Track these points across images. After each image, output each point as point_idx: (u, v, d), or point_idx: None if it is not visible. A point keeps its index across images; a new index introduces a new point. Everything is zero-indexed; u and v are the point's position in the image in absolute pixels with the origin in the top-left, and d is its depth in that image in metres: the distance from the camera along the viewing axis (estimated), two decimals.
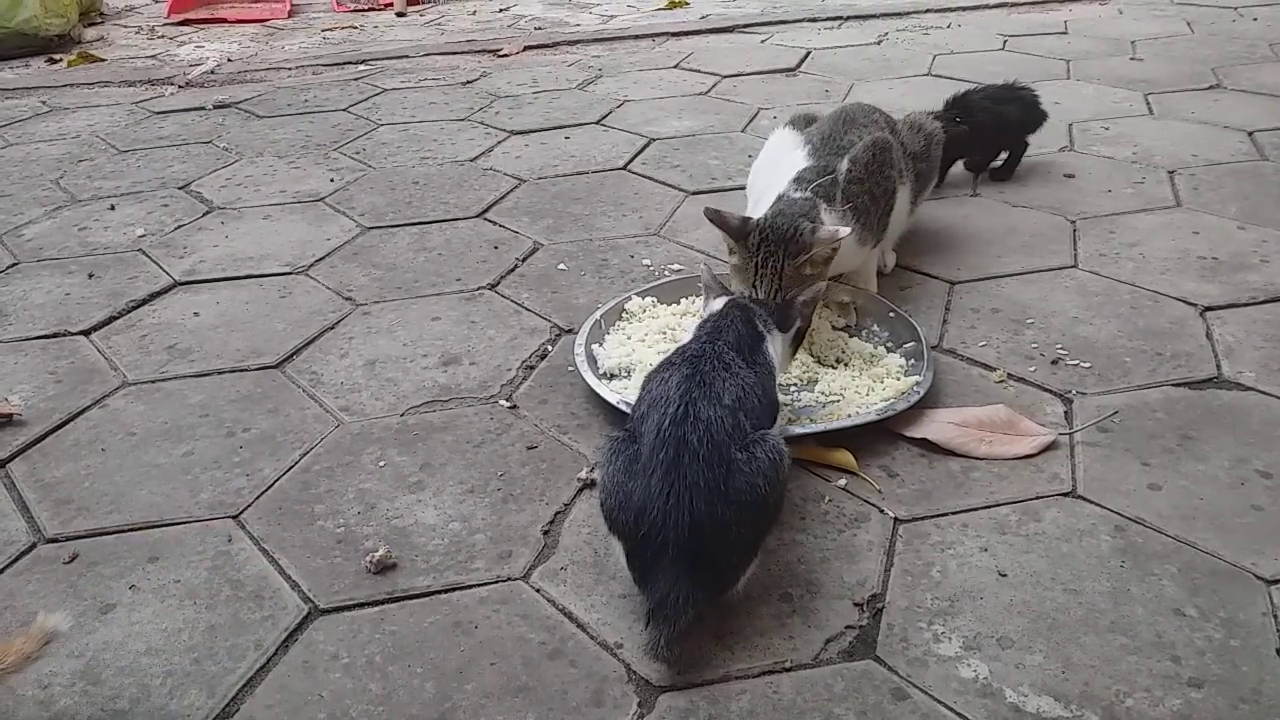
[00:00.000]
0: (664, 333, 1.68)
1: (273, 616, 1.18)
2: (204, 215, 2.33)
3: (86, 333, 1.82)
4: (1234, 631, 1.10)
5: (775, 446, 1.15)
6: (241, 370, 1.69)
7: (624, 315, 1.75)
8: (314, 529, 1.31)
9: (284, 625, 1.16)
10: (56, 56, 4.01)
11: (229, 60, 3.83)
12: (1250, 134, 2.58)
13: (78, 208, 2.40)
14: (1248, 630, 1.10)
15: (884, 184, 1.76)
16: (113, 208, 2.39)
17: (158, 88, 3.49)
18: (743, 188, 2.02)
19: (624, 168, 2.52)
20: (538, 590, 1.20)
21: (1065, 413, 1.49)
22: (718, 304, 1.40)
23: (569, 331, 1.75)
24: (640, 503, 1.10)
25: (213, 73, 3.63)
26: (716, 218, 1.57)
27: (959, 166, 2.36)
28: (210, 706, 1.06)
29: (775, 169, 1.76)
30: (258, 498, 1.38)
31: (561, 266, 2.01)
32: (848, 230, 1.57)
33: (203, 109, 3.18)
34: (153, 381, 1.66)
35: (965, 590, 1.17)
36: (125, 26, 4.66)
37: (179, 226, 2.27)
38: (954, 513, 1.30)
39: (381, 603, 1.19)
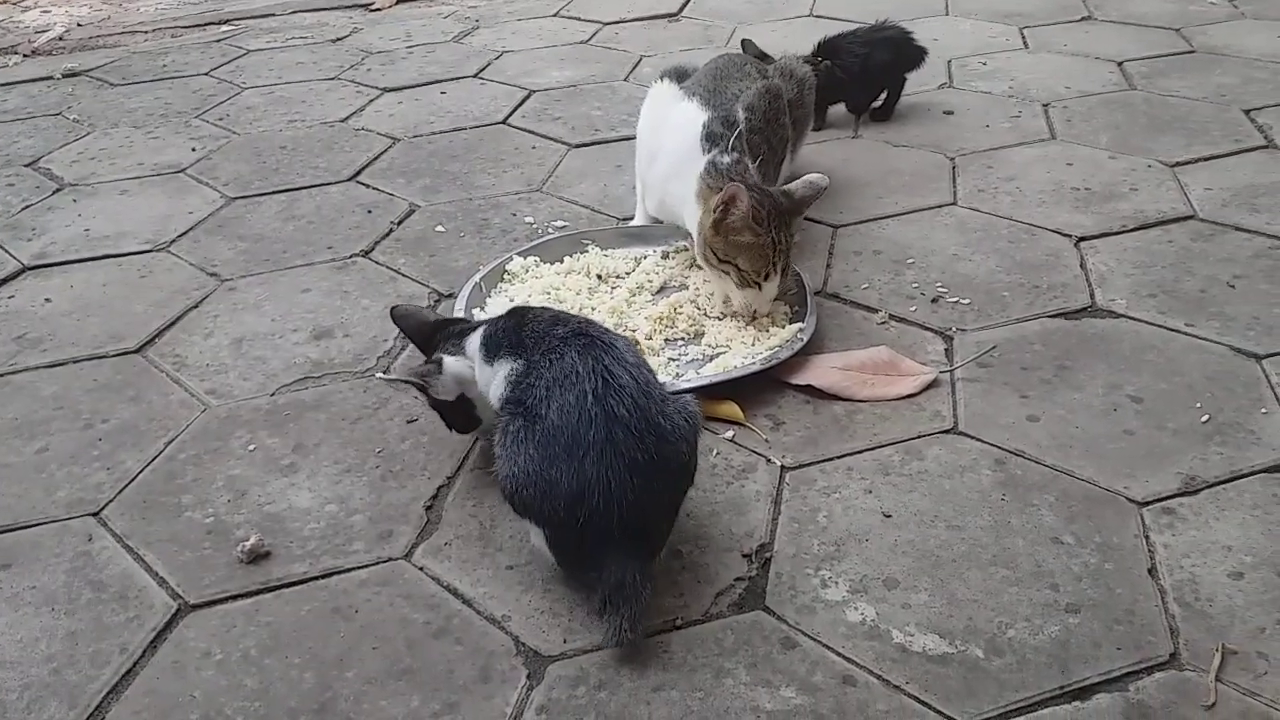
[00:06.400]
0: (547, 293, 1.64)
1: (139, 617, 1.11)
2: (54, 193, 2.18)
3: None
4: (1108, 555, 1.13)
5: (686, 407, 1.11)
6: (99, 357, 1.58)
7: (505, 276, 1.70)
8: (181, 521, 1.25)
9: (151, 625, 1.10)
10: None
11: (78, 25, 3.58)
12: (1120, 64, 2.63)
13: None
14: (1121, 553, 1.13)
15: (780, 131, 1.74)
16: None
17: (1, 58, 3.25)
18: (628, 138, 1.98)
19: (504, 122, 2.44)
20: (421, 568, 1.16)
21: (946, 350, 1.51)
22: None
23: (449, 296, 1.69)
24: (573, 490, 1.02)
25: (60, 39, 3.39)
26: (739, 202, 1.46)
27: (841, 108, 2.35)
28: (72, 718, 1.00)
29: (668, 124, 1.71)
30: (120, 492, 1.30)
31: (440, 228, 1.94)
32: (823, 177, 1.55)
33: (50, 79, 2.96)
34: (0, 375, 1.55)
35: (851, 534, 1.18)
36: None
37: (26, 207, 2.12)
38: (839, 456, 1.30)
39: (255, 593, 1.14)
